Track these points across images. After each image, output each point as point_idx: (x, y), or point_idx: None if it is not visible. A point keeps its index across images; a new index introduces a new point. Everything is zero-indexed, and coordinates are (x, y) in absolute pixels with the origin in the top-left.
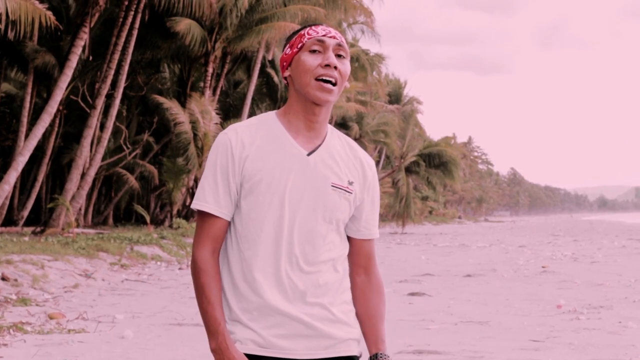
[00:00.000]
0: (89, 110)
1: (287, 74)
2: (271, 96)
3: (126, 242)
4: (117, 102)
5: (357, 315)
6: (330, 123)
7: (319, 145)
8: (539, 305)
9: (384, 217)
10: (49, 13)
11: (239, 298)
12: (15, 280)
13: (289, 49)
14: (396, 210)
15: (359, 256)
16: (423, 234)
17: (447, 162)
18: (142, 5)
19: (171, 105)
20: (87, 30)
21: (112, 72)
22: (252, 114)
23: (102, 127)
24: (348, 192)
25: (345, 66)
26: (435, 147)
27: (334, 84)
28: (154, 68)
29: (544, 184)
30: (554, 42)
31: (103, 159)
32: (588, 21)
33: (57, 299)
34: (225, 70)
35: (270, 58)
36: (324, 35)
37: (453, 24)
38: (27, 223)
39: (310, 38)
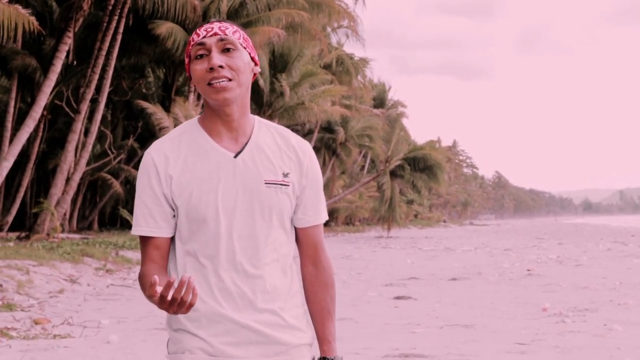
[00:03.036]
0: (73, 115)
1: (193, 84)
2: (257, 101)
3: (111, 247)
4: (102, 106)
5: (309, 312)
6: (314, 127)
7: (246, 144)
8: (525, 308)
9: (369, 220)
10: (32, 18)
11: None
12: (0, 285)
13: (186, 59)
14: (381, 214)
15: (305, 246)
16: (408, 238)
17: (432, 165)
18: (126, 9)
19: (155, 110)
20: (71, 35)
21: (97, 76)
22: None
23: (87, 132)
24: (284, 185)
25: (235, 59)
26: (420, 151)
27: (230, 79)
28: (139, 72)
29: (529, 188)
30: (534, 47)
31: (88, 163)
32: (567, 26)
33: (42, 304)
34: None
35: None
36: (204, 37)
37: (434, 28)
38: (12, 228)
39: (193, 44)
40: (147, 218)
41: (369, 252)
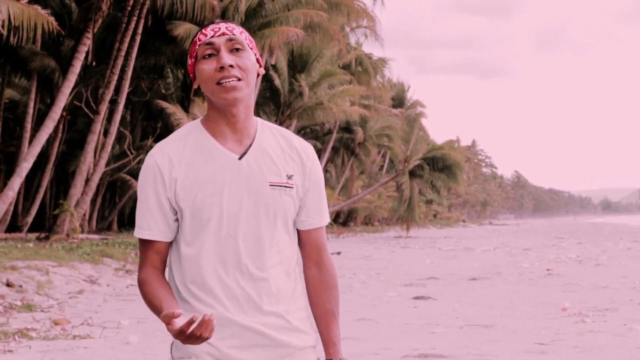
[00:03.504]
0: (92, 116)
1: (196, 85)
2: (274, 100)
3: (131, 248)
4: (121, 107)
5: (313, 315)
6: (333, 127)
7: (250, 146)
8: (544, 308)
9: (388, 220)
10: (52, 18)
11: (189, 311)
12: (20, 286)
13: (190, 60)
14: (400, 214)
15: (309, 248)
16: (427, 238)
17: (451, 165)
18: (144, 10)
19: (174, 111)
20: (90, 35)
21: (116, 77)
22: None
23: (106, 132)
24: (288, 187)
25: (244, 59)
26: (439, 151)
27: (239, 79)
28: (158, 73)
29: (548, 187)
30: (552, 46)
31: (107, 164)
32: (585, 25)
33: (62, 305)
34: None
35: (273, 62)
36: (212, 37)
37: (452, 28)
38: (32, 229)
39: (201, 44)
40: (150, 222)
41: (388, 252)
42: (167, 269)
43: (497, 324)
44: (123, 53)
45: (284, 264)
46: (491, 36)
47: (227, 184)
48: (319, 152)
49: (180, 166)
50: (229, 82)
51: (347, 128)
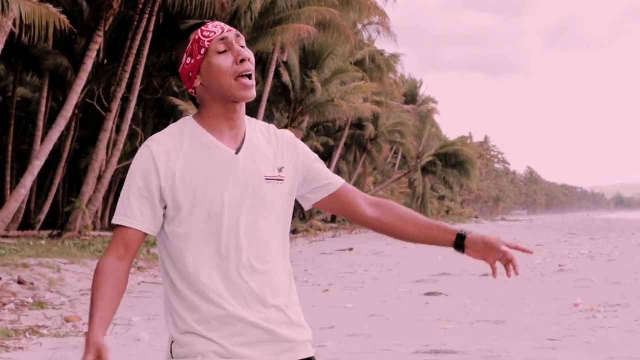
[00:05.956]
0: (104, 114)
1: (197, 83)
2: (286, 97)
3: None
4: (133, 105)
5: (409, 234)
6: (345, 124)
7: (243, 141)
8: (556, 304)
9: None
10: (64, 17)
11: (192, 310)
12: (32, 283)
13: (189, 59)
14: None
15: (351, 199)
16: None
17: (463, 161)
18: (156, 8)
19: (187, 108)
20: (101, 33)
21: (128, 75)
22: (267, 115)
23: (118, 130)
24: (280, 179)
25: (251, 55)
26: (452, 147)
27: (251, 76)
28: (170, 71)
29: (561, 183)
30: (564, 43)
31: (119, 162)
32: (597, 21)
33: (73, 302)
34: None
35: (285, 59)
36: (222, 32)
37: (463, 25)
38: (44, 227)
39: (212, 40)
40: (135, 211)
41: (400, 249)
42: (161, 269)
43: (508, 320)
44: (135, 51)
45: (281, 258)
46: (501, 33)
47: (227, 179)
48: (331, 149)
49: (178, 160)
50: (249, 81)
51: (359, 125)
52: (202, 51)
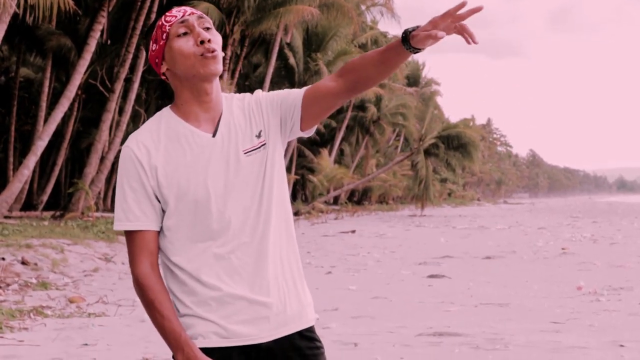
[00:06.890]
0: (107, 95)
1: (163, 69)
2: (289, 79)
3: None
4: (136, 86)
5: (371, 74)
6: (347, 105)
7: (219, 121)
8: (559, 287)
9: (403, 199)
10: None
11: (190, 293)
12: (35, 264)
13: (154, 45)
14: (415, 193)
15: (321, 90)
16: (442, 216)
17: (466, 144)
18: None
19: None
20: (105, 14)
21: (131, 56)
22: None
23: (121, 111)
24: (262, 145)
25: (215, 36)
26: (454, 129)
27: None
28: None
29: (563, 166)
30: (566, 25)
31: (122, 142)
32: (599, 4)
33: (77, 283)
34: (243, 53)
35: (288, 40)
36: (183, 15)
37: None
38: (47, 207)
39: (172, 24)
40: (137, 212)
41: (403, 231)
42: (159, 256)
43: (512, 302)
44: (138, 32)
45: (272, 228)
46: (504, 16)
47: (207, 163)
48: (333, 131)
49: (158, 154)
50: (209, 53)
51: (361, 106)
52: (164, 36)
